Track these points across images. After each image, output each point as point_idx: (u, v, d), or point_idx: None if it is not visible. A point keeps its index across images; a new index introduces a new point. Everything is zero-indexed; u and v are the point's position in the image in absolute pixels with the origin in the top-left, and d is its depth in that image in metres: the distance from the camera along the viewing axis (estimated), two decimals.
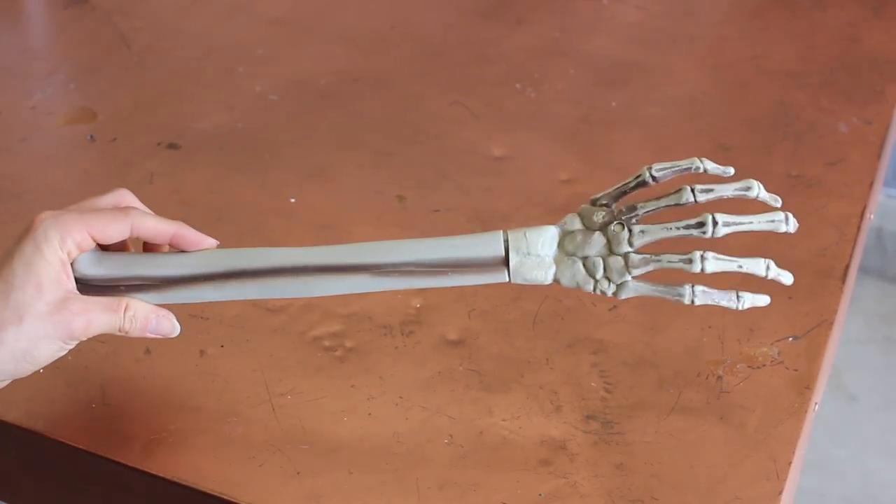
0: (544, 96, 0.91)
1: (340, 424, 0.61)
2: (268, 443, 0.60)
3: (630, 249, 0.56)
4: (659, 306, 0.69)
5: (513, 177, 0.81)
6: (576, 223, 0.57)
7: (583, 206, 0.58)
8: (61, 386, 0.63)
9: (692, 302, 0.57)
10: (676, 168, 0.57)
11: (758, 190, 0.57)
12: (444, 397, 0.63)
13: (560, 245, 0.57)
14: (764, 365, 0.65)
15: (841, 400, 1.61)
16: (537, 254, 0.56)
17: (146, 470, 0.59)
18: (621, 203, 0.57)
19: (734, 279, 0.71)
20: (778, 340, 0.66)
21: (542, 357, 0.66)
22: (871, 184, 0.80)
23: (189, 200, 0.77)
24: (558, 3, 1.05)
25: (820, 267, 0.72)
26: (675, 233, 0.56)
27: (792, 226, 0.58)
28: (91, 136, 0.85)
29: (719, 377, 0.64)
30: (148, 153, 0.82)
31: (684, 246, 0.59)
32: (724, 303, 0.57)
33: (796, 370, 0.65)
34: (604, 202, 0.57)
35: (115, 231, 0.57)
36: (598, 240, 0.57)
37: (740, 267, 0.57)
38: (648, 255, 0.56)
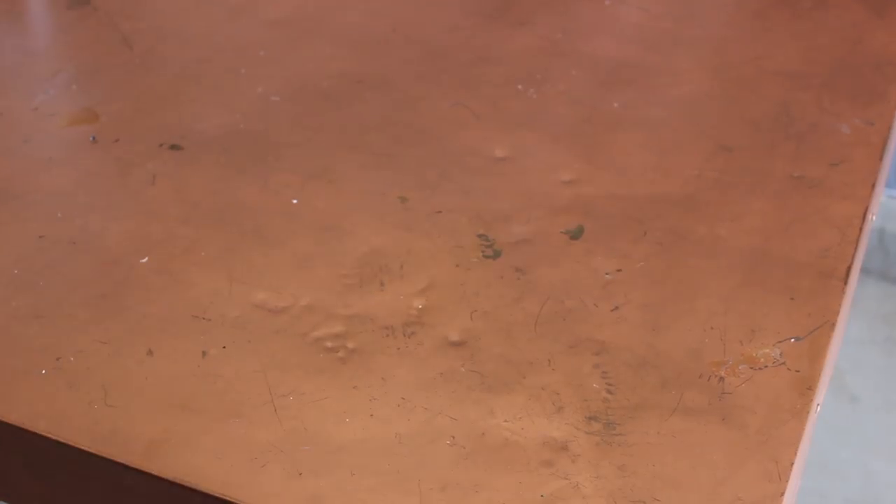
0: (546, 97, 0.91)
1: (342, 425, 0.61)
2: (270, 444, 0.60)
3: None
4: (661, 307, 0.69)
5: (515, 178, 0.81)
6: None
7: None
8: (62, 386, 0.63)
9: None
10: None
11: None
12: (446, 398, 0.63)
13: None
14: (766, 366, 0.65)
15: (843, 401, 1.61)
16: None
17: (148, 471, 0.59)
18: None
19: (738, 275, 0.71)
20: (780, 341, 0.66)
21: (544, 358, 0.66)
22: (874, 185, 0.80)
23: (191, 201, 0.78)
24: (560, 4, 1.05)
25: (822, 268, 0.72)
26: None
27: None
28: (93, 138, 0.85)
29: (721, 378, 0.64)
30: (150, 154, 0.82)
31: None
32: None
33: (798, 371, 0.65)
34: None
35: None
36: None
37: None
38: None
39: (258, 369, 0.64)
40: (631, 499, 0.57)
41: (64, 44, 0.97)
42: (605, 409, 0.62)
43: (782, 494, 0.58)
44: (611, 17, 1.03)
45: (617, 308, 0.69)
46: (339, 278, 0.71)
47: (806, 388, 0.64)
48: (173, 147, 0.83)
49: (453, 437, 0.61)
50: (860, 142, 0.84)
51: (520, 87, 0.92)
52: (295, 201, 0.78)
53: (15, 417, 0.62)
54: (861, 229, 0.75)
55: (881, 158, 0.83)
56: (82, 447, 0.60)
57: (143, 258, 0.71)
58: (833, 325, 0.68)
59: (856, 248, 0.74)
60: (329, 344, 0.66)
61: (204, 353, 0.66)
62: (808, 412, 0.62)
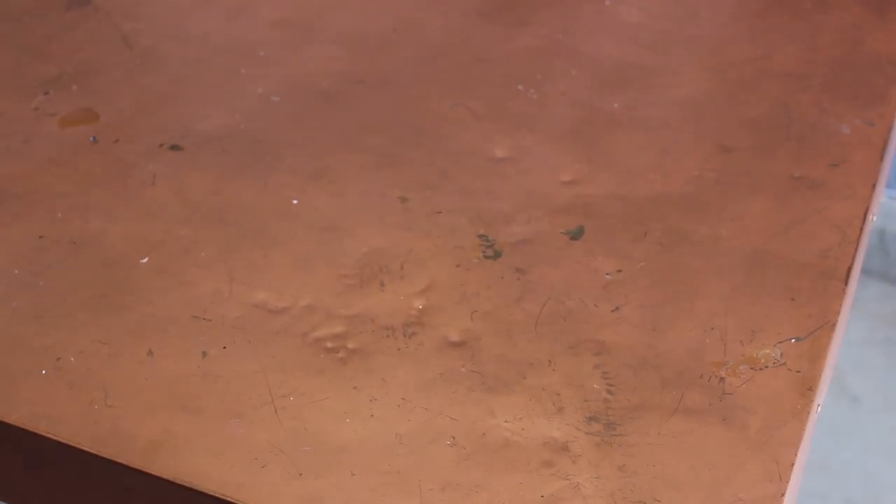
0: (546, 98, 0.91)
1: (342, 426, 0.61)
2: (270, 444, 0.60)
3: None
4: (661, 308, 0.69)
5: (515, 178, 0.81)
6: None
7: None
8: (63, 387, 0.63)
9: None
10: None
11: None
12: (446, 399, 0.63)
13: None
14: (766, 366, 0.65)
15: (843, 401, 1.61)
16: None
17: (148, 471, 0.59)
18: None
19: (738, 276, 0.71)
20: (780, 342, 0.66)
21: (545, 359, 0.66)
22: (874, 185, 0.80)
23: (191, 202, 0.78)
24: (560, 4, 1.05)
25: (822, 268, 0.72)
26: None
27: None
28: (93, 138, 0.85)
29: (722, 379, 0.64)
30: (150, 154, 0.82)
31: None
32: None
33: (799, 372, 0.65)
34: None
35: None
36: None
37: None
38: None
39: (258, 369, 0.64)
40: (631, 499, 0.57)
41: (63, 44, 0.97)
42: (606, 410, 0.62)
43: (783, 495, 0.58)
44: (611, 17, 1.03)
45: (617, 308, 0.69)
46: (340, 278, 0.71)
47: (806, 388, 0.64)
48: (173, 147, 0.83)
49: (454, 438, 0.61)
50: (860, 142, 0.84)
51: (520, 87, 0.92)
52: (295, 201, 0.78)
53: (15, 417, 0.62)
54: (861, 230, 0.75)
55: (881, 159, 0.83)
56: (82, 447, 0.60)
57: (143, 258, 0.71)
58: (833, 325, 0.68)
59: (856, 249, 0.74)
60: (329, 344, 0.66)
61: (204, 354, 0.65)
62: (808, 413, 0.62)
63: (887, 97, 0.90)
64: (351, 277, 0.71)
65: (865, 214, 0.77)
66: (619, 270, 0.72)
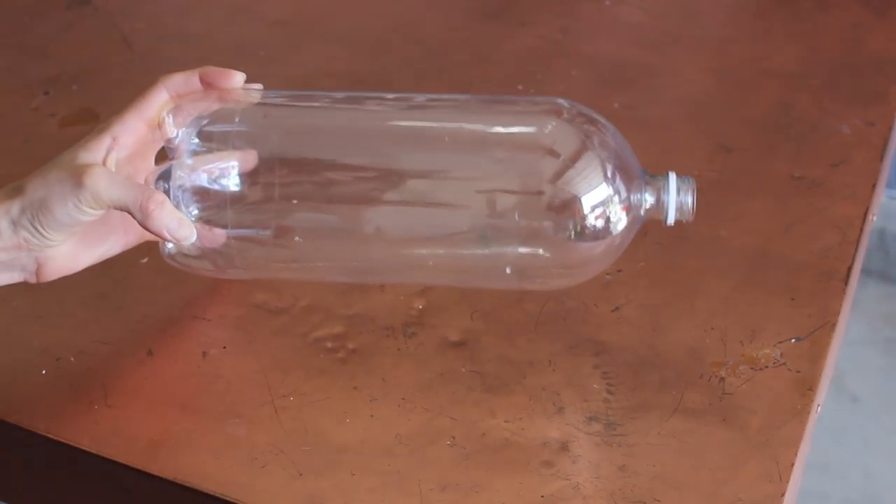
0: None
1: (343, 426, 0.61)
2: (270, 444, 0.60)
3: None
4: (661, 308, 0.69)
5: None
6: None
7: None
8: (63, 387, 0.63)
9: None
10: None
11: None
12: (446, 399, 0.63)
13: None
14: (766, 366, 0.65)
15: (843, 401, 1.61)
16: None
17: (148, 471, 0.59)
18: None
19: (738, 276, 0.71)
20: (780, 342, 0.66)
21: (545, 359, 0.65)
22: (874, 185, 0.80)
23: None
24: (560, 4, 1.05)
25: (822, 268, 0.72)
26: None
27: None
28: None
29: (722, 379, 0.64)
30: None
31: None
32: None
33: (799, 372, 0.64)
34: None
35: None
36: None
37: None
38: None
39: (258, 370, 0.64)
40: (631, 499, 0.57)
41: (63, 44, 0.97)
42: (606, 410, 0.62)
43: (783, 495, 0.57)
44: (611, 18, 1.03)
45: (617, 308, 0.69)
46: None
47: (806, 388, 0.64)
48: None
49: (453, 438, 0.61)
50: (860, 142, 0.84)
51: (520, 87, 0.92)
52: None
53: (15, 417, 0.62)
54: (861, 230, 0.75)
55: (882, 159, 0.83)
56: (82, 447, 0.60)
57: (144, 258, 0.71)
58: (833, 325, 0.68)
59: (856, 249, 0.74)
60: (329, 344, 0.66)
61: (204, 354, 0.65)
62: (808, 413, 0.62)
63: (887, 97, 0.89)
64: None
65: (865, 214, 0.77)
66: (619, 270, 0.71)
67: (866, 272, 1.81)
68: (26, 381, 0.64)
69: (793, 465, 0.59)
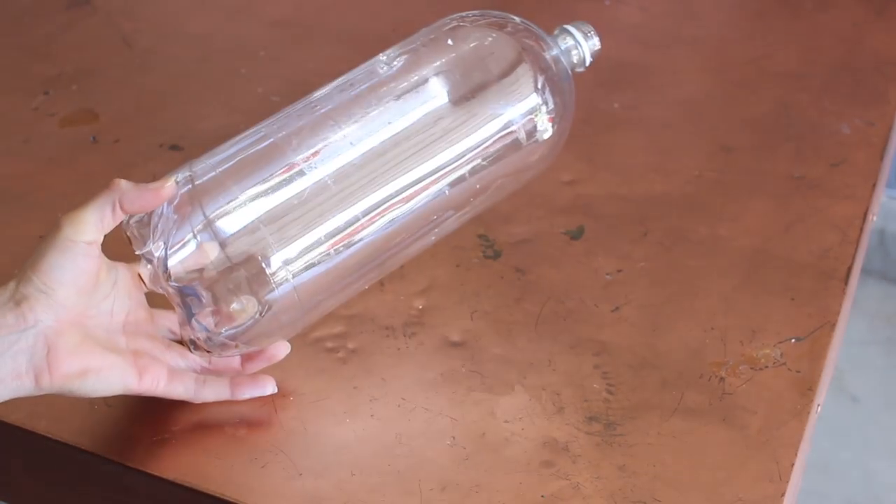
0: None
1: (343, 426, 0.61)
2: (270, 444, 0.60)
3: None
4: (661, 308, 0.69)
5: None
6: None
7: None
8: None
9: None
10: None
11: None
12: (446, 399, 0.63)
13: None
14: (766, 366, 0.65)
15: (843, 401, 1.61)
16: None
17: (148, 471, 0.59)
18: None
19: (738, 276, 0.71)
20: (780, 342, 0.66)
21: (545, 359, 0.65)
22: (874, 185, 0.80)
23: None
24: (560, 4, 1.05)
25: (822, 268, 0.72)
26: None
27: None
28: (93, 138, 0.85)
29: (722, 379, 0.64)
30: (150, 154, 0.82)
31: None
32: None
33: (799, 372, 0.64)
34: None
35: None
36: None
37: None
38: None
39: (259, 370, 0.64)
40: (631, 499, 0.57)
41: (63, 44, 0.97)
42: (606, 410, 0.62)
43: (783, 495, 0.58)
44: (611, 18, 1.03)
45: (617, 308, 0.69)
46: None
47: (806, 388, 0.64)
48: (173, 147, 0.83)
49: (453, 438, 0.61)
50: (860, 142, 0.84)
51: None
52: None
53: (15, 417, 0.62)
54: (861, 230, 0.75)
55: (882, 158, 0.83)
56: (82, 447, 0.60)
57: None
58: (833, 325, 0.68)
59: (856, 249, 0.74)
60: (329, 344, 0.66)
61: None
62: (808, 413, 0.62)
63: (887, 97, 0.90)
64: None
65: (865, 214, 0.77)
66: (620, 270, 0.71)
67: (866, 272, 1.81)
68: None
69: (793, 465, 0.59)
